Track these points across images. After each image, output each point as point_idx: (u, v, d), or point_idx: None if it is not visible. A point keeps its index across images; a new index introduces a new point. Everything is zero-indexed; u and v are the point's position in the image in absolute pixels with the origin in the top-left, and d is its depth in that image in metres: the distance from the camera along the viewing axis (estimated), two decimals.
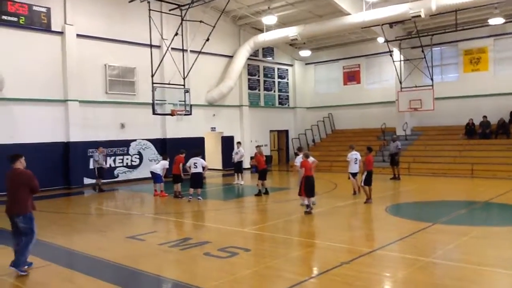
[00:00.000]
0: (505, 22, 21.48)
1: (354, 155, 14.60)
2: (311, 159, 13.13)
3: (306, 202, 11.87)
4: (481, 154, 21.25)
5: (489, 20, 21.38)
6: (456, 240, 8.85)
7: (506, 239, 9.01)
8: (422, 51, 23.07)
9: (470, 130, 23.17)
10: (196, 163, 14.63)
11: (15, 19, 17.53)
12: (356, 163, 14.51)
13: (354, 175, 14.66)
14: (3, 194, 16.21)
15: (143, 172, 21.46)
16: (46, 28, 18.43)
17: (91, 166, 18.68)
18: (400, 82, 23.84)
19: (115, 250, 8.82)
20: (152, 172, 16.38)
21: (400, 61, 24.34)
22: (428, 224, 10.25)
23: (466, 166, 20.52)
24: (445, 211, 12.20)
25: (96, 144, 19.29)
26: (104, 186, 18.42)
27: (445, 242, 8.83)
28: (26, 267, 7.34)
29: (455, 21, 21.08)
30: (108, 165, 18.58)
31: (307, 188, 11.70)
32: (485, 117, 22.86)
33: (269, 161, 26.72)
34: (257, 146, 17.51)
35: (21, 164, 7.52)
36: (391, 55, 24.15)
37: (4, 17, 17.23)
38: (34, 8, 18.05)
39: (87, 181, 18.54)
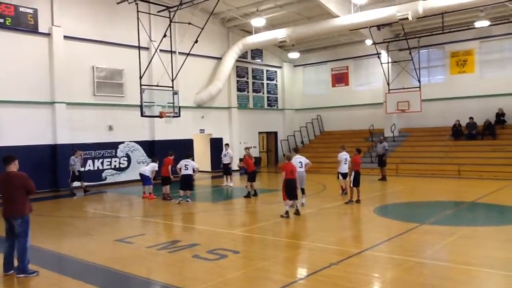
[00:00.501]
0: (491, 25, 21.81)
1: (344, 155, 14.63)
2: (304, 160, 13.19)
3: (287, 208, 11.67)
4: (467, 155, 21.49)
5: (475, 23, 21.68)
6: (443, 240, 8.93)
7: (493, 239, 9.12)
8: (410, 53, 23.30)
9: (457, 131, 23.42)
10: (187, 165, 14.55)
11: (1, 20, 17.33)
12: (345, 163, 14.57)
13: (344, 175, 14.71)
14: None
15: (131, 174, 21.34)
16: (33, 30, 18.25)
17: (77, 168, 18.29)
18: (388, 84, 24.02)
19: (104, 254, 8.75)
20: (141, 174, 16.32)
21: (388, 63, 24.53)
22: (416, 224, 10.34)
23: (453, 167, 20.74)
24: (433, 211, 12.31)
25: (83, 147, 19.20)
26: (92, 189, 18.31)
27: (433, 242, 8.91)
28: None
29: (442, 23, 21.30)
30: (81, 169, 18.11)
31: (288, 191, 11.57)
32: (471, 118, 23.14)
33: (258, 163, 26.74)
34: (246, 148, 17.50)
35: (15, 166, 7.48)
36: (379, 57, 24.33)
37: None
38: (21, 9, 17.87)
39: (74, 184, 18.35)
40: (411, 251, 8.35)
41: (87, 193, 17.73)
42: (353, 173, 13.52)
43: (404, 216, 11.91)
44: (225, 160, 19.44)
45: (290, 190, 11.57)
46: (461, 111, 23.77)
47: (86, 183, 18.29)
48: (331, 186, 17.52)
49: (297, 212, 11.83)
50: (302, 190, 13.21)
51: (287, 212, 11.64)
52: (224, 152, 19.85)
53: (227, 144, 20.84)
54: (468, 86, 24.06)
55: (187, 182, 14.62)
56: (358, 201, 13.44)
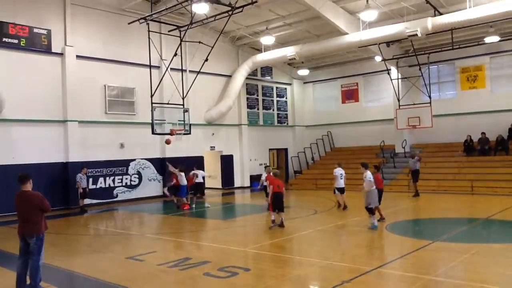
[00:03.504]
0: (501, 40, 21.76)
1: (339, 171, 15.43)
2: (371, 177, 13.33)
3: (272, 217, 12.36)
4: (480, 171, 21.24)
5: (485, 39, 21.67)
6: (457, 257, 8.80)
7: (508, 256, 8.96)
8: (420, 69, 23.28)
9: (469, 147, 23.22)
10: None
11: (15, 41, 17.70)
12: (341, 179, 15.31)
13: (340, 190, 15.39)
14: (5, 215, 16.14)
15: (142, 191, 21.42)
16: (46, 50, 18.60)
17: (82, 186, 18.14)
18: (398, 100, 23.97)
19: (115, 271, 8.75)
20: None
21: (398, 79, 24.53)
22: (429, 241, 10.20)
23: (466, 183, 20.50)
24: (446, 228, 12.15)
25: (95, 164, 19.37)
26: (104, 206, 18.36)
27: (447, 259, 8.78)
28: None
29: (451, 39, 21.32)
30: (85, 187, 18.13)
31: (275, 203, 12.26)
32: (483, 133, 22.95)
33: None
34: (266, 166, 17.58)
35: (30, 185, 7.54)
36: (388, 73, 24.36)
37: (5, 40, 17.41)
38: (35, 30, 18.25)
39: (86, 201, 18.46)
40: (425, 268, 8.22)
41: (84, 213, 17.51)
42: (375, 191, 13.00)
43: (417, 233, 11.77)
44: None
45: (277, 202, 12.28)
46: (472, 126, 23.60)
47: (93, 201, 18.28)
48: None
49: (281, 224, 12.24)
50: (371, 209, 12.15)
51: (273, 221, 12.28)
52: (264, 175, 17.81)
53: (267, 167, 19.17)
54: (479, 101, 23.93)
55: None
56: (382, 219, 12.89)
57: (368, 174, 12.08)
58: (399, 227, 12.90)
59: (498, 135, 22.65)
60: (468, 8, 17.76)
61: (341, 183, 15.31)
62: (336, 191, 15.56)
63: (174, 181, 17.90)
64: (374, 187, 12.09)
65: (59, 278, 8.45)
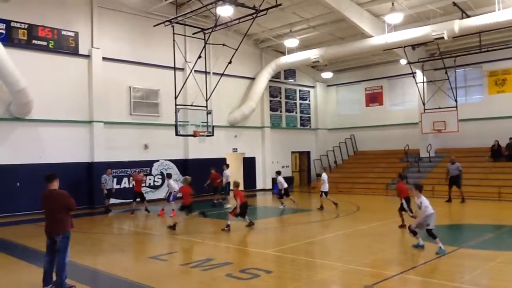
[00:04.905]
0: None
1: (326, 176, 17.12)
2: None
3: (229, 222, 13.02)
4: (508, 177, 20.73)
5: None
6: (483, 265, 8.62)
7: None
8: (446, 72, 22.91)
9: (496, 152, 22.71)
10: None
11: (44, 43, 18.16)
12: (327, 183, 16.93)
13: (325, 193, 16.72)
14: (32, 213, 16.51)
15: (165, 192, 21.58)
16: (73, 52, 19.02)
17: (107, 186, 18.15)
18: (423, 104, 23.64)
19: (138, 270, 8.87)
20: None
21: (423, 82, 24.19)
22: (454, 248, 10.02)
23: (493, 189, 20.04)
24: (471, 235, 11.93)
25: (119, 165, 19.64)
26: (126, 206, 18.60)
27: (472, 267, 8.61)
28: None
29: (479, 42, 20.91)
30: (112, 187, 18.20)
31: (242, 210, 13.36)
32: (511, 138, 22.41)
33: (291, 182, 26.59)
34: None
35: (57, 184, 7.72)
36: (413, 77, 24.04)
37: (35, 42, 17.88)
38: (63, 32, 18.69)
39: (110, 201, 18.71)
40: (449, 275, 8.08)
41: (109, 213, 17.73)
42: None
43: (441, 239, 11.50)
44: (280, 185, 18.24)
45: (244, 209, 13.43)
46: (500, 131, 23.07)
47: (117, 201, 18.68)
48: (365, 206, 17.24)
49: (250, 224, 13.42)
50: (431, 232, 10.00)
51: (228, 225, 12.88)
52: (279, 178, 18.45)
53: (278, 172, 19.34)
54: (508, 105, 23.39)
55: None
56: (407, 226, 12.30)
57: (424, 201, 10.14)
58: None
59: None
60: (497, 11, 17.42)
61: (326, 187, 16.77)
62: (324, 195, 16.78)
63: (208, 181, 19.35)
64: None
65: (84, 276, 8.61)
